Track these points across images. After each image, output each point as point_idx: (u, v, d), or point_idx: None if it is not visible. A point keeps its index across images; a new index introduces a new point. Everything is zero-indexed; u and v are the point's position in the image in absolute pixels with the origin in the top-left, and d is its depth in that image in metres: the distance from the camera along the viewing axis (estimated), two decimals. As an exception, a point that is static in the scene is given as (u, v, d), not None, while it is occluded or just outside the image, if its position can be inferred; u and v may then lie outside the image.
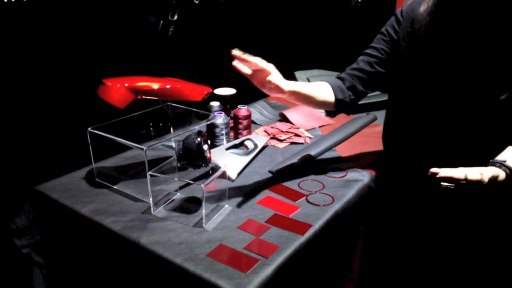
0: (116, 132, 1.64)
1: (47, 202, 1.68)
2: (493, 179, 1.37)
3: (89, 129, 1.67)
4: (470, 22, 1.45)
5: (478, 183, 1.34)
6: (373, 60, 1.75)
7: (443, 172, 1.33)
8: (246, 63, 1.47)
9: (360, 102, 1.85)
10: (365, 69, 1.76)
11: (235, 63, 1.46)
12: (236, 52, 1.44)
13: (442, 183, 1.42)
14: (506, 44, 1.41)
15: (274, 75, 1.49)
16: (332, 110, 1.82)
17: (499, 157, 1.46)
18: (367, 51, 1.77)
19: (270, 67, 1.49)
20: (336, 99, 1.76)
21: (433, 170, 1.35)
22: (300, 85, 1.64)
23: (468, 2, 1.43)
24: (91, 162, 1.77)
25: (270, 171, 1.86)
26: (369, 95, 1.89)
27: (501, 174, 1.40)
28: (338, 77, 1.82)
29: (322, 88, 1.76)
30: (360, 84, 1.77)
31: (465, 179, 1.33)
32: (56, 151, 1.90)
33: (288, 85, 1.54)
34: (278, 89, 1.51)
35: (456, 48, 1.49)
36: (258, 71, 1.50)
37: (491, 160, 1.45)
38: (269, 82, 1.47)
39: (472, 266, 1.70)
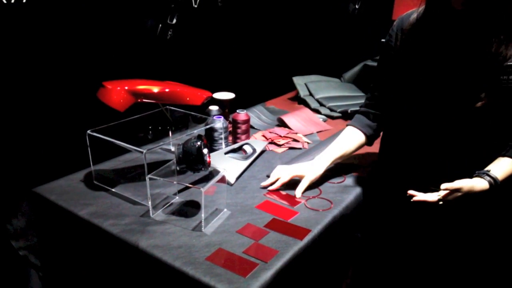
0: (115, 135, 1.64)
1: (45, 204, 1.68)
2: (469, 192, 1.45)
3: (88, 131, 1.67)
4: (452, 34, 1.49)
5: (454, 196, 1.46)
6: (380, 84, 1.78)
7: (419, 197, 1.47)
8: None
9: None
10: (378, 96, 1.80)
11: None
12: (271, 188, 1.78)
13: (430, 187, 1.51)
14: (483, 54, 1.44)
15: (306, 176, 1.76)
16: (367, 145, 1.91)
17: (486, 168, 1.50)
18: (375, 77, 1.82)
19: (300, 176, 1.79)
20: (367, 136, 1.85)
21: (410, 192, 1.48)
22: (333, 154, 1.81)
23: (450, 16, 1.46)
24: (89, 165, 1.77)
25: (268, 176, 1.86)
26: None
27: (478, 185, 1.46)
28: (360, 112, 1.89)
29: (351, 137, 1.86)
30: (379, 111, 1.82)
31: (439, 200, 1.45)
32: (55, 153, 1.89)
33: (322, 168, 1.79)
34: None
35: (438, 56, 1.53)
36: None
37: (477, 171, 1.50)
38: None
39: (465, 271, 1.71)
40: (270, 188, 1.76)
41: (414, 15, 1.58)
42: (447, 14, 1.46)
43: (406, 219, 1.74)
